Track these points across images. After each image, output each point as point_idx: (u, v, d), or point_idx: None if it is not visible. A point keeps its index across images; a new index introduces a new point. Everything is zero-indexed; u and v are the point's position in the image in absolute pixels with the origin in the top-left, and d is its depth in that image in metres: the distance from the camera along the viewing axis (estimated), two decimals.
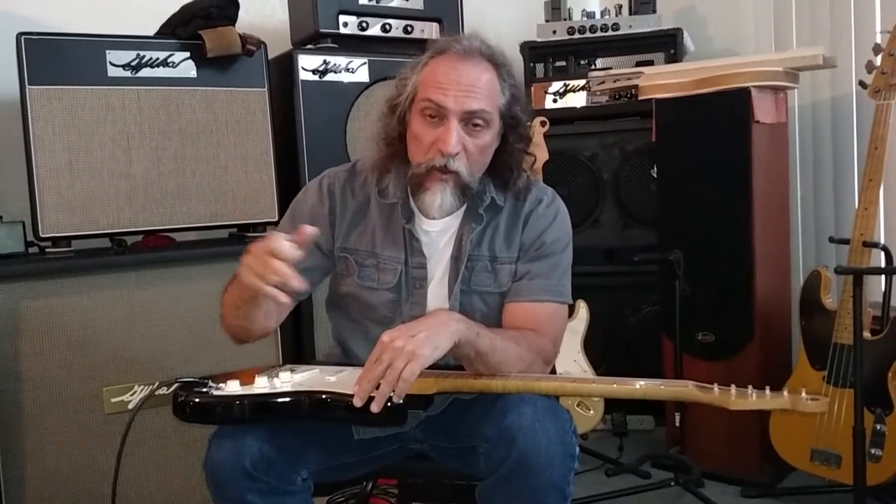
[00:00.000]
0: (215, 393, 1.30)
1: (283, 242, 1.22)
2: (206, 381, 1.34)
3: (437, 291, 1.50)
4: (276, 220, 2.32)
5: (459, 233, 1.49)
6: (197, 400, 1.29)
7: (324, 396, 1.28)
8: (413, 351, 1.22)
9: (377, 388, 1.23)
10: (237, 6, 2.28)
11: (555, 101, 2.93)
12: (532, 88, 2.94)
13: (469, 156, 1.41)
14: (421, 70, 1.42)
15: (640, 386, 1.28)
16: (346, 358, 1.57)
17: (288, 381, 1.33)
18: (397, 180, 1.48)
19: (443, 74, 1.38)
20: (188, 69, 2.20)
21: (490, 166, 1.47)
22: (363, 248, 1.51)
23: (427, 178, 1.41)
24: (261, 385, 1.32)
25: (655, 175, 2.66)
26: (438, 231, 1.50)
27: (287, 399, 1.29)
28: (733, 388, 1.23)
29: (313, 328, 2.38)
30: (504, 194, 1.51)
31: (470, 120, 1.39)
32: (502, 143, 1.46)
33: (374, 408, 1.23)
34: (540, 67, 3.01)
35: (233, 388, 1.31)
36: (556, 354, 1.49)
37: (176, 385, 1.34)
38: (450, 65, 1.39)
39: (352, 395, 1.25)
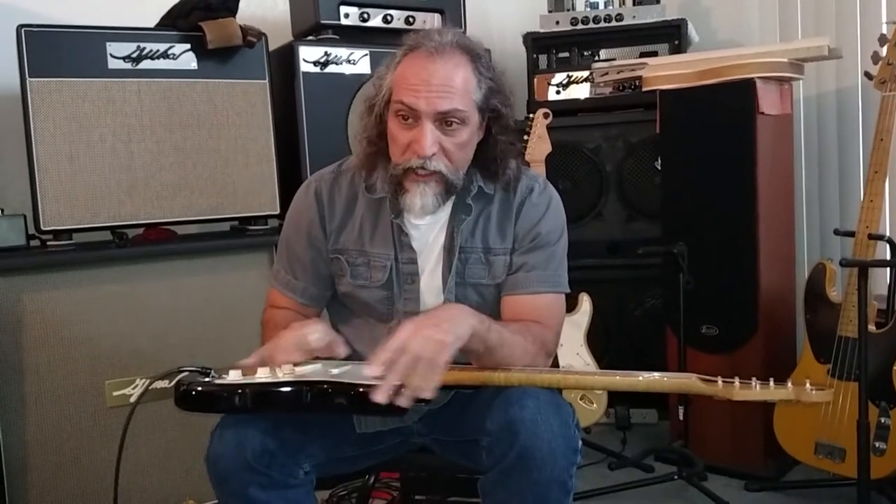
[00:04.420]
0: (217, 382, 1.30)
1: (313, 336, 1.35)
2: (209, 370, 1.34)
3: (430, 285, 1.49)
4: (277, 212, 2.32)
5: (450, 225, 1.48)
6: (199, 388, 1.29)
7: (325, 386, 1.27)
8: (442, 340, 1.20)
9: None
10: None
11: (558, 92, 2.92)
12: (535, 80, 2.92)
13: (448, 154, 1.39)
14: (394, 69, 1.41)
15: (643, 378, 1.27)
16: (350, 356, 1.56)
17: (290, 372, 1.33)
18: (384, 176, 1.47)
19: (413, 75, 1.36)
20: (189, 61, 2.19)
21: (475, 157, 1.46)
22: (352, 246, 1.50)
23: (405, 179, 1.40)
24: (263, 375, 1.31)
25: (659, 167, 2.65)
26: (428, 224, 1.48)
27: (289, 388, 1.28)
28: (737, 381, 1.23)
29: None
30: (493, 184, 1.49)
31: (444, 119, 1.36)
32: (486, 134, 1.45)
33: (404, 402, 1.20)
34: (543, 59, 2.99)
35: (235, 377, 1.30)
36: (557, 345, 1.48)
37: (179, 374, 1.34)
38: (420, 65, 1.36)
39: (353, 385, 1.24)
